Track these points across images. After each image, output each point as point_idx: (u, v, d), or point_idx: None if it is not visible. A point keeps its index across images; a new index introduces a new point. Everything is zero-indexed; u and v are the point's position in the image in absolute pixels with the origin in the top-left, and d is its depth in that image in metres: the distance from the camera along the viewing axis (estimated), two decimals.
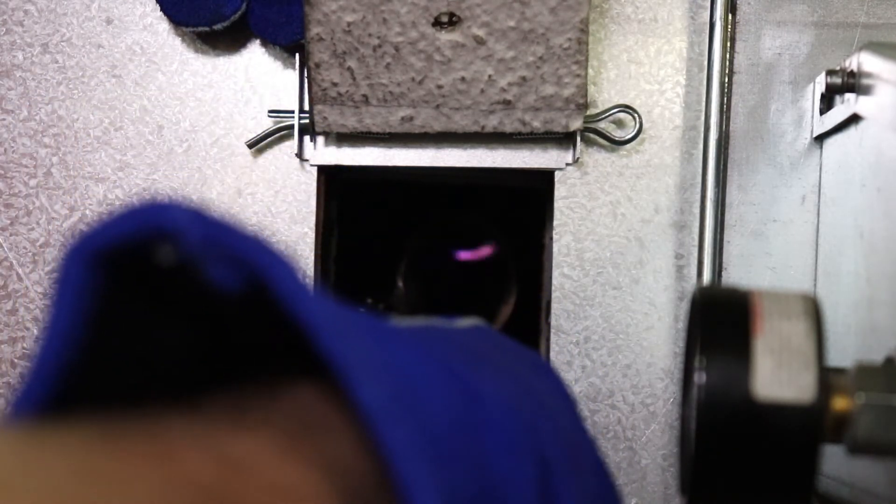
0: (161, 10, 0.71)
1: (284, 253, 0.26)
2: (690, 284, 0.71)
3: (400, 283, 0.94)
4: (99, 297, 0.25)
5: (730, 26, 0.71)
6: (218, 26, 0.71)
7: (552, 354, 0.72)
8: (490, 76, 0.66)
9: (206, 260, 0.25)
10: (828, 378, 0.41)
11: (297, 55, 0.72)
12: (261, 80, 0.74)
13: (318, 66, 0.66)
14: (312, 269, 0.73)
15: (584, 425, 0.42)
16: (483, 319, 0.44)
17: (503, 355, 0.40)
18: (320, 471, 0.26)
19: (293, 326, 0.26)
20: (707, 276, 0.70)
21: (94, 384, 0.26)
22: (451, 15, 0.64)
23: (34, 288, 0.73)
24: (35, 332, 0.74)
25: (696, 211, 0.71)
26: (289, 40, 0.71)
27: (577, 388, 0.72)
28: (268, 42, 0.72)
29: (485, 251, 0.95)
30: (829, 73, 0.64)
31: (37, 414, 0.25)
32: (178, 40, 0.74)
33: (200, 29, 0.71)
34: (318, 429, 0.27)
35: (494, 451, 0.31)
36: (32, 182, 0.74)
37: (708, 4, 0.71)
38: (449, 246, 0.95)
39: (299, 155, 0.73)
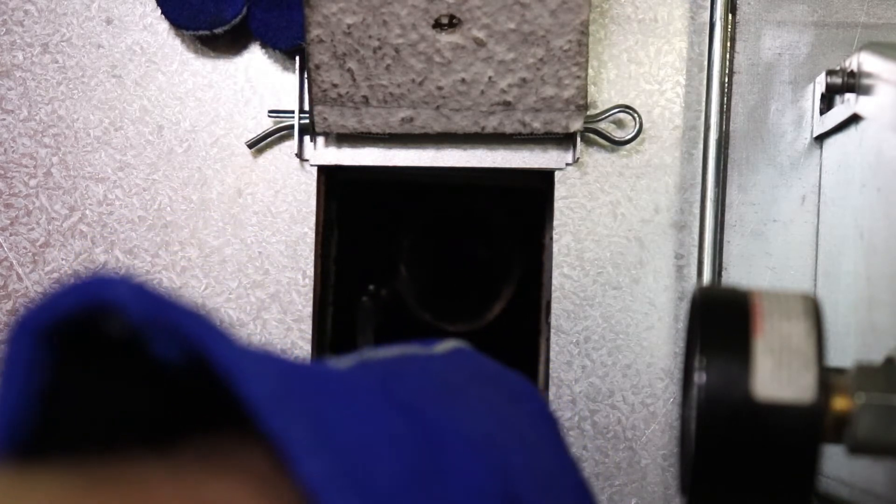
0: (162, 13, 0.71)
1: (223, 327, 0.27)
2: (690, 284, 0.71)
3: (403, 269, 0.94)
4: (50, 369, 0.26)
5: (730, 26, 0.71)
6: (219, 30, 0.71)
7: (552, 354, 0.72)
8: (490, 77, 0.66)
9: (148, 334, 0.26)
10: (828, 378, 0.41)
11: (298, 56, 0.72)
12: (261, 80, 0.74)
13: (318, 67, 0.66)
14: (312, 269, 0.73)
15: (565, 450, 0.42)
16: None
17: (480, 385, 0.40)
18: None
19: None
20: (707, 276, 0.70)
21: (53, 444, 0.26)
22: (452, 17, 0.64)
23: (34, 288, 0.74)
24: None
25: (696, 211, 0.71)
26: (289, 44, 0.71)
27: (577, 388, 0.72)
28: (268, 46, 0.72)
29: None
30: (829, 73, 0.64)
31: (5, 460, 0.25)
32: (177, 41, 0.74)
33: (201, 33, 0.71)
34: (279, 479, 0.27)
35: (458, 498, 0.31)
36: (32, 182, 0.74)
37: (708, 4, 0.71)
38: (451, 230, 0.96)
39: (299, 155, 0.73)
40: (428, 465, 0.31)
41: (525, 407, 0.41)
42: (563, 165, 0.72)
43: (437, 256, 0.96)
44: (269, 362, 0.28)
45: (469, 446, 0.33)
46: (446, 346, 0.42)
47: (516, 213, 0.94)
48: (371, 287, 0.88)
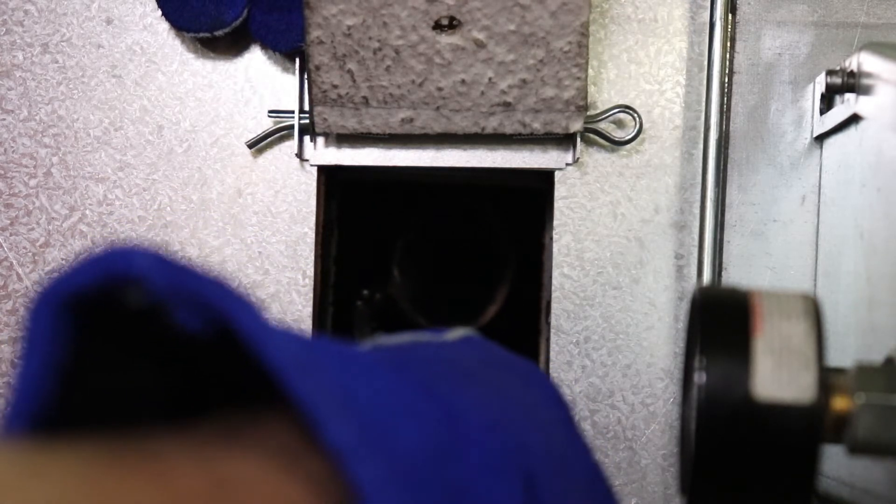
0: (162, 14, 0.71)
1: (247, 295, 0.27)
2: (690, 284, 0.71)
3: (396, 272, 0.94)
4: (70, 342, 0.26)
5: (730, 26, 0.71)
6: (219, 32, 0.71)
7: (552, 354, 0.72)
8: (490, 78, 0.66)
9: (171, 304, 0.26)
10: (828, 378, 0.41)
11: (298, 57, 0.72)
12: (261, 80, 0.74)
13: (318, 68, 0.66)
14: (312, 269, 0.73)
15: (578, 433, 0.42)
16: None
17: (492, 369, 0.40)
18: (312, 489, 0.26)
19: (261, 365, 0.26)
20: (707, 276, 0.70)
21: (72, 420, 0.26)
22: (452, 18, 0.64)
23: (34, 288, 0.74)
24: None
25: (696, 211, 0.71)
26: (289, 47, 0.71)
27: (577, 388, 0.72)
28: (268, 48, 0.72)
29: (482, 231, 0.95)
30: (829, 73, 0.64)
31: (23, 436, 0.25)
32: (178, 41, 0.74)
33: (202, 35, 0.71)
34: (303, 451, 0.27)
35: (476, 472, 0.31)
36: (32, 182, 0.74)
37: (708, 4, 0.71)
38: (445, 232, 0.96)
39: (299, 155, 0.73)
40: (446, 439, 0.31)
41: (537, 391, 0.41)
42: (563, 165, 0.72)
43: (433, 258, 0.96)
44: (293, 333, 0.28)
45: (485, 424, 0.33)
46: (456, 333, 0.42)
47: (516, 213, 0.94)
48: (365, 291, 0.88)
